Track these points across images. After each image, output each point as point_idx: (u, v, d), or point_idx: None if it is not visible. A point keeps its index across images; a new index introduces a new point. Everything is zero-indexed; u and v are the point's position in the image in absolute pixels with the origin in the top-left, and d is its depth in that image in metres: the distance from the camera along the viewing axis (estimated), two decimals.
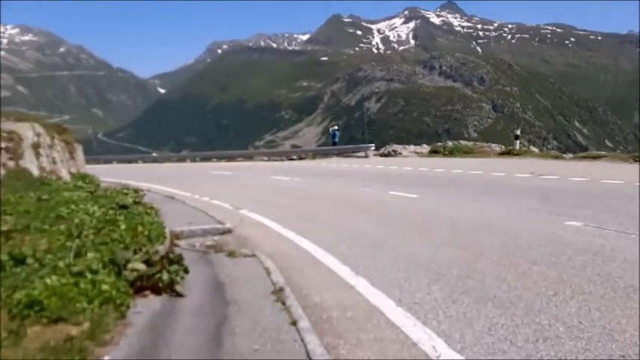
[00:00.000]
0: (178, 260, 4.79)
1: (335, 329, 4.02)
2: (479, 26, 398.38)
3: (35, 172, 15.43)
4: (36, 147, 16.79)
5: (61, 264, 4.42)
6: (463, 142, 27.55)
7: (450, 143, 27.28)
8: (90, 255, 4.71)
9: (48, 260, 4.66)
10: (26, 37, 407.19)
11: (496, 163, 20.51)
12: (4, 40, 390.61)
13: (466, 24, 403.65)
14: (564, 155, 23.28)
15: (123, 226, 7.04)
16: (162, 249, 5.88)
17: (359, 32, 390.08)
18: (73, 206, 10.21)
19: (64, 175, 17.38)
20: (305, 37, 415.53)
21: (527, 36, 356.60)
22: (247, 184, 19.04)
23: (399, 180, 16.57)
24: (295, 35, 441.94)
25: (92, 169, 30.15)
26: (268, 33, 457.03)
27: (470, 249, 6.47)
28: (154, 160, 43.79)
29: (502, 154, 24.95)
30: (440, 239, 7.16)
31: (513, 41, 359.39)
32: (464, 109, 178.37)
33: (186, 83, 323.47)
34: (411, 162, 23.69)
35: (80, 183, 16.52)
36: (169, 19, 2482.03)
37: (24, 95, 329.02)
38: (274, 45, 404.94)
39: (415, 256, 6.25)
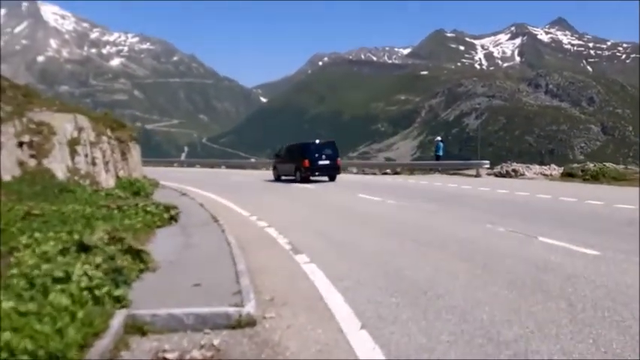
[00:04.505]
0: None
1: None
2: (590, 45, 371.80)
3: (60, 174, 12.24)
4: (73, 144, 13.73)
5: None
6: (609, 165, 21.21)
7: (591, 165, 21.10)
8: None
9: None
10: (144, 46, 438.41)
11: None
12: (125, 48, 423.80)
13: (577, 42, 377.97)
14: None
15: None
16: None
17: (461, 47, 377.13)
18: (38, 234, 6.66)
19: (104, 179, 14.15)
20: (406, 51, 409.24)
21: None
22: (325, 204, 14.79)
23: (542, 215, 10.83)
24: (396, 49, 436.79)
25: (163, 173, 28.43)
26: (369, 46, 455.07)
27: None
28: (253, 167, 41.65)
29: None
30: None
31: (628, 61, 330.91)
32: (570, 130, 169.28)
33: (286, 93, 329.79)
34: (542, 187, 17.88)
35: (117, 191, 13.15)
36: (275, 31, 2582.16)
37: (139, 100, 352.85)
38: (374, 58, 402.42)
39: None
